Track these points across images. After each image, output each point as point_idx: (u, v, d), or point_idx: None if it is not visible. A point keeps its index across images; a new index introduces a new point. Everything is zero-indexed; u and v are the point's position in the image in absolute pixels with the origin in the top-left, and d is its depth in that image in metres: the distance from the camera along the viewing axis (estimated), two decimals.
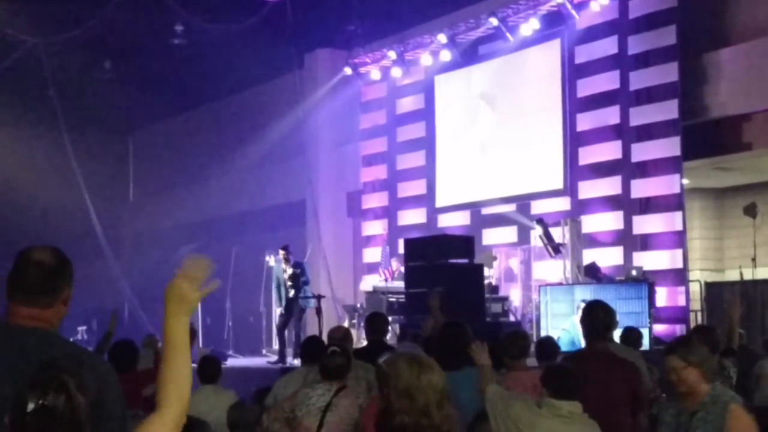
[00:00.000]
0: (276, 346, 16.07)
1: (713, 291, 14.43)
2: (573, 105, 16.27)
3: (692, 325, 14.34)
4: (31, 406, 2.37)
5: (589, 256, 14.89)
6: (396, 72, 19.34)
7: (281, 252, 15.49)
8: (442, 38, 18.01)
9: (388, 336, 12.25)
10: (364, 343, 8.99)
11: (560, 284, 14.45)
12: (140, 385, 6.13)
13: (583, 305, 6.89)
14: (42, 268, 3.09)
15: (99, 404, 2.48)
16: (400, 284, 15.12)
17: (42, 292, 3.09)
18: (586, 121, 16.04)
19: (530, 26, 16.66)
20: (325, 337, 8.96)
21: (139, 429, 2.50)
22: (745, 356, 8.79)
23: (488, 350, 6.81)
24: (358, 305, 16.93)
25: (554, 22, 16.48)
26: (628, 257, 15.17)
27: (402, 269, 15.65)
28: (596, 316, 6.01)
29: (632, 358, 6.73)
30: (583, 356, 6.21)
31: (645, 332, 12.20)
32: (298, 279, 15.12)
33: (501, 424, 5.15)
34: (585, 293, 13.05)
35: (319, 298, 14.34)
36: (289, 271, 15.14)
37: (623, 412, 5.86)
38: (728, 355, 6.78)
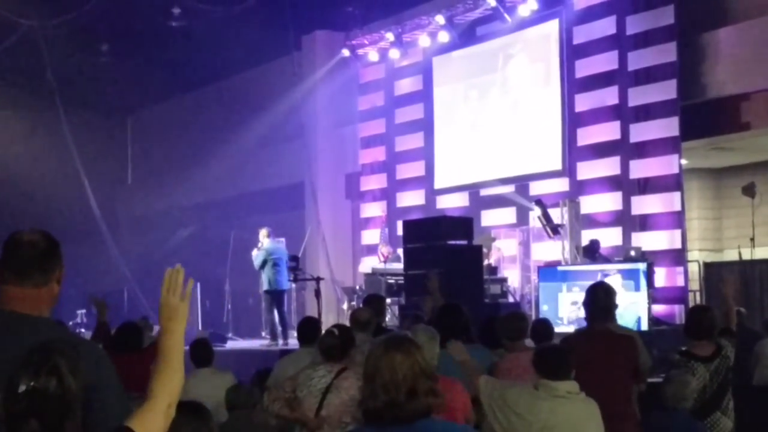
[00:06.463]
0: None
1: (712, 271, 14.45)
2: (571, 85, 16.22)
3: (691, 305, 14.37)
4: (23, 387, 2.38)
5: (588, 236, 14.88)
6: (394, 53, 19.28)
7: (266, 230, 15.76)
8: (439, 19, 17.95)
9: (387, 318, 12.30)
10: None
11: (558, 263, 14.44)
12: (149, 362, 6.16)
13: None
14: (34, 247, 3.13)
15: (93, 389, 2.51)
16: (399, 266, 15.12)
17: (37, 269, 3.11)
18: (584, 102, 16.00)
19: (528, 7, 16.60)
20: (324, 319, 9.01)
21: (135, 415, 2.61)
22: (745, 336, 8.80)
23: (487, 330, 6.86)
24: (357, 287, 16.95)
25: (552, 2, 16.41)
26: (626, 238, 15.16)
27: (395, 252, 15.68)
28: (598, 298, 6.18)
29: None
30: (584, 336, 6.28)
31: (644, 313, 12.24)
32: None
33: (498, 412, 5.11)
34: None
35: (318, 280, 14.35)
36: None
37: (625, 389, 5.93)
38: (726, 335, 6.76)
